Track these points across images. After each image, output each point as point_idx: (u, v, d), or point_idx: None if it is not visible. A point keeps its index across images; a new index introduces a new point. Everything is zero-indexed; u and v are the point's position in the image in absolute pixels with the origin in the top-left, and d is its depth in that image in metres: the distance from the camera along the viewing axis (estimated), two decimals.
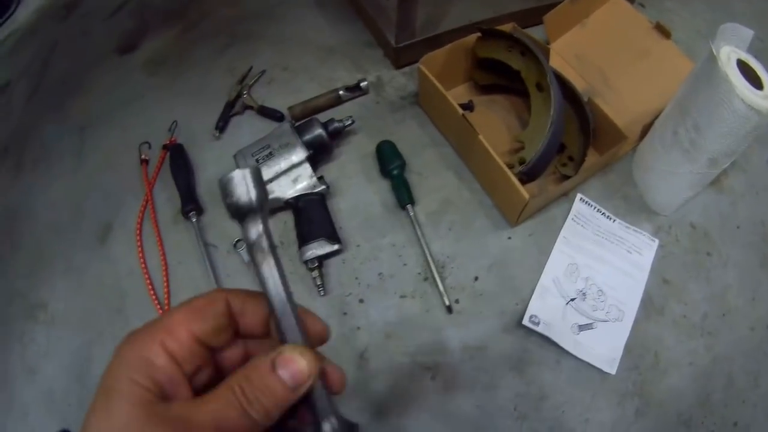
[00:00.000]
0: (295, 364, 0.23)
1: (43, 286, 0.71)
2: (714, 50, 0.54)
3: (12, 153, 0.87)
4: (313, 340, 0.26)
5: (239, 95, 0.78)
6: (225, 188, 0.23)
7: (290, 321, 0.25)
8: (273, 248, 0.24)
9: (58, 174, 0.81)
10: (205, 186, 0.73)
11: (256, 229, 0.23)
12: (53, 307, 0.69)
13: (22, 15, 1.02)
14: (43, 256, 0.74)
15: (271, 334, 0.26)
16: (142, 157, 0.75)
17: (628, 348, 0.62)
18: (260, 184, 0.24)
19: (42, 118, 0.88)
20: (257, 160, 0.65)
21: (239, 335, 0.27)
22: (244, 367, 0.23)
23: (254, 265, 0.24)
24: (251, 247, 0.24)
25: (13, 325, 0.69)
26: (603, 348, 0.62)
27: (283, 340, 0.25)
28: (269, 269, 0.24)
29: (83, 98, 0.86)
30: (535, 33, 0.76)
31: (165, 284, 0.66)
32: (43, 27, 0.99)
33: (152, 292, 0.65)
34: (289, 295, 0.25)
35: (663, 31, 0.79)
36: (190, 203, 0.69)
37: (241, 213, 0.23)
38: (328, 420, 0.24)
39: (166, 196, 0.73)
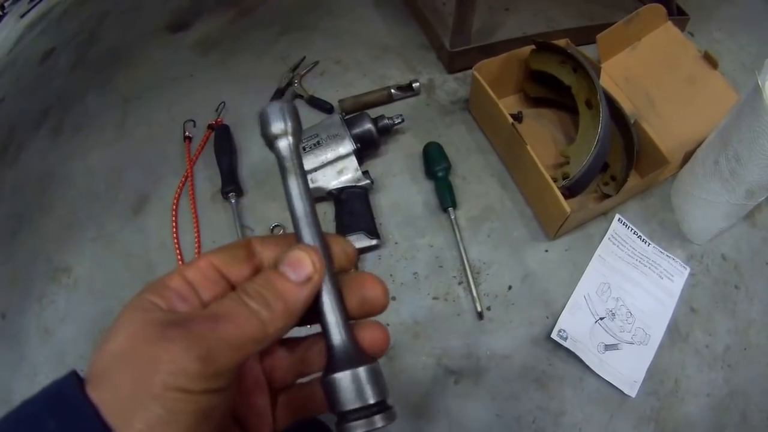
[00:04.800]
0: (298, 261, 0.22)
1: (70, 251, 0.72)
2: (759, 82, 0.54)
3: (52, 116, 0.88)
4: (338, 259, 0.26)
5: (290, 83, 0.79)
6: (263, 117, 0.25)
7: (309, 233, 0.25)
8: (301, 166, 0.25)
9: (99, 142, 0.82)
10: (247, 169, 0.74)
11: (287, 147, 0.25)
12: (77, 272, 0.70)
13: None
14: (74, 222, 0.75)
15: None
16: (186, 134, 0.76)
17: (650, 372, 0.62)
18: (295, 114, 0.25)
19: (86, 86, 0.88)
20: (304, 148, 0.65)
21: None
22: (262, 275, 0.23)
23: (282, 177, 0.25)
24: (281, 162, 0.25)
25: (33, 285, 0.69)
26: (626, 370, 0.62)
27: None
28: (294, 182, 0.25)
29: (130, 71, 0.86)
30: (588, 51, 0.76)
31: None
32: None
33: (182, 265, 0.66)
34: (311, 209, 0.25)
35: (711, 61, 0.78)
36: (231, 184, 0.70)
37: (275, 137, 0.25)
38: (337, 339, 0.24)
39: (207, 175, 0.73)
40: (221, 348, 0.19)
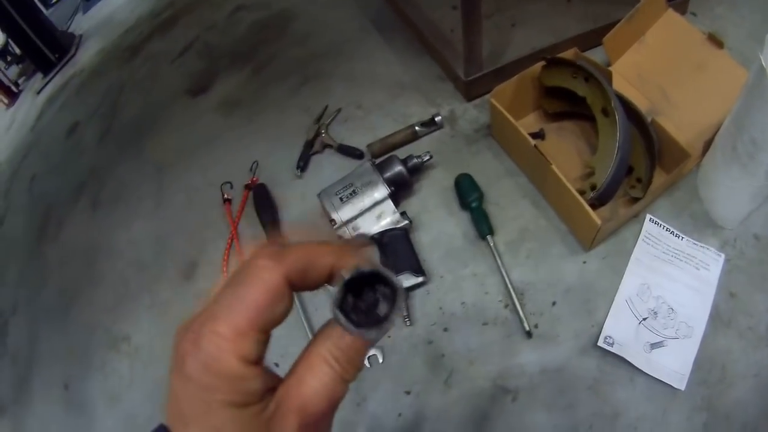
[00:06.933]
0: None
1: (127, 320, 0.75)
2: (763, 61, 0.53)
3: (87, 190, 0.91)
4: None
5: (317, 134, 0.82)
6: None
7: None
8: None
9: (139, 213, 0.85)
10: None
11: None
12: (137, 339, 0.73)
13: (84, 57, 1.06)
14: (126, 292, 0.78)
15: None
16: (225, 196, 0.79)
17: (698, 363, 0.64)
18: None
19: (116, 158, 0.92)
20: (341, 199, 0.69)
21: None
22: (330, 333, 0.23)
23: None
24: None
25: (93, 355, 0.73)
26: (673, 365, 0.64)
27: None
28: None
29: (158, 139, 0.90)
30: (596, 54, 0.78)
31: None
32: (107, 69, 1.02)
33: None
34: None
35: (716, 42, 0.78)
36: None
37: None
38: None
39: (251, 234, 0.77)
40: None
